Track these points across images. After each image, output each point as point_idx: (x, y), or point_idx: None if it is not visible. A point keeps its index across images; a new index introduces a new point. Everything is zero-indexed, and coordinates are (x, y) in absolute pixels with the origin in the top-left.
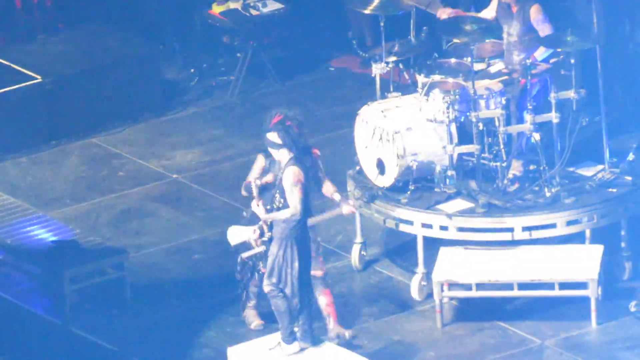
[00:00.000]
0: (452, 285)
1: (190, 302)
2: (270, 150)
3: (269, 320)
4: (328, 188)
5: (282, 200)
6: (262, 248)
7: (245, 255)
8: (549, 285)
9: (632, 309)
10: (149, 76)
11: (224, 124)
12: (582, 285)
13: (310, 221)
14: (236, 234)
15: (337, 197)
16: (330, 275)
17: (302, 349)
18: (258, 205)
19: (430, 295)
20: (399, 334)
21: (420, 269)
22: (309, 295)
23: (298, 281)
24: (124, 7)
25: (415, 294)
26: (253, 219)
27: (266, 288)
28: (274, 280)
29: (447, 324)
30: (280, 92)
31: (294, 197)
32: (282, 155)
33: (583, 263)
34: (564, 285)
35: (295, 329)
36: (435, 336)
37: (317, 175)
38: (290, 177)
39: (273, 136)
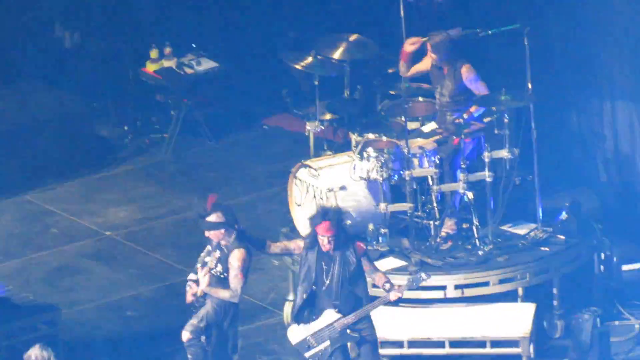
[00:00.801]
0: (384, 343)
1: (122, 359)
2: (209, 232)
3: None
4: (380, 279)
5: (224, 273)
6: (326, 344)
7: (308, 354)
8: (481, 343)
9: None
10: (83, 133)
11: (158, 181)
12: (514, 344)
13: (362, 312)
14: (296, 333)
15: (387, 286)
16: (262, 332)
17: None
18: (205, 275)
19: None
20: None
21: None
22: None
23: (222, 341)
24: (58, 64)
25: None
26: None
27: (186, 335)
28: (201, 331)
29: None
30: (214, 150)
31: (237, 281)
32: (224, 235)
33: (515, 321)
34: (496, 343)
35: None
36: None
37: (362, 269)
38: (238, 261)
39: (213, 217)
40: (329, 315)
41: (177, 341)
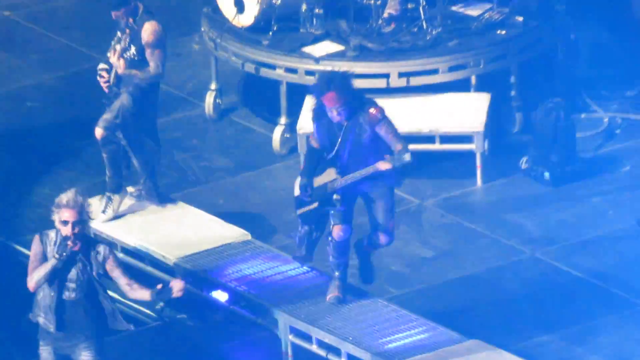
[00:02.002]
0: None
1: (22, 155)
2: (115, 13)
3: None
4: (397, 147)
5: (139, 55)
6: (314, 205)
7: (299, 211)
8: (429, 139)
9: (523, 166)
10: None
11: None
12: (466, 139)
13: (350, 178)
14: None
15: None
16: (181, 126)
17: (140, 201)
18: (118, 59)
19: (294, 148)
20: (258, 192)
21: (283, 119)
22: (150, 151)
23: (142, 136)
24: None
25: (277, 147)
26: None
27: (100, 132)
28: (116, 126)
29: None
30: None
31: (156, 57)
32: (131, 11)
33: (468, 114)
34: (445, 139)
35: (133, 189)
36: None
37: (376, 137)
38: (152, 34)
39: None
40: (328, 174)
41: (85, 135)
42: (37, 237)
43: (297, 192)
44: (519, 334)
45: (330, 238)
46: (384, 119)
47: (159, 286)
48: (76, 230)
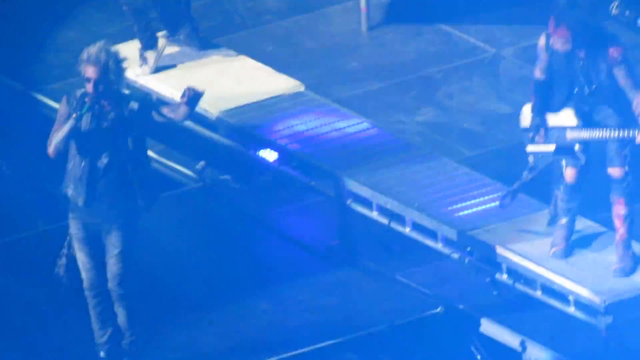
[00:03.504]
0: None
1: None
2: None
3: None
4: (637, 97)
5: None
6: (550, 147)
7: (529, 148)
8: None
9: (613, 12)
10: None
11: None
12: None
13: (598, 134)
14: (527, 116)
15: None
16: None
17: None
18: None
19: None
20: (313, 37)
21: None
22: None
23: None
24: None
25: None
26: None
27: None
28: None
29: (375, 26)
30: None
31: None
32: None
33: None
34: None
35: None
36: (359, 41)
37: (613, 80)
38: None
39: None
40: (566, 117)
41: None
42: (64, 98)
43: (524, 122)
44: (604, 202)
45: (562, 180)
46: (624, 61)
47: (184, 99)
48: (100, 88)
